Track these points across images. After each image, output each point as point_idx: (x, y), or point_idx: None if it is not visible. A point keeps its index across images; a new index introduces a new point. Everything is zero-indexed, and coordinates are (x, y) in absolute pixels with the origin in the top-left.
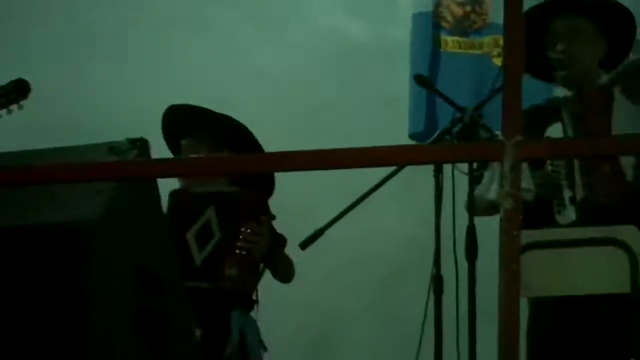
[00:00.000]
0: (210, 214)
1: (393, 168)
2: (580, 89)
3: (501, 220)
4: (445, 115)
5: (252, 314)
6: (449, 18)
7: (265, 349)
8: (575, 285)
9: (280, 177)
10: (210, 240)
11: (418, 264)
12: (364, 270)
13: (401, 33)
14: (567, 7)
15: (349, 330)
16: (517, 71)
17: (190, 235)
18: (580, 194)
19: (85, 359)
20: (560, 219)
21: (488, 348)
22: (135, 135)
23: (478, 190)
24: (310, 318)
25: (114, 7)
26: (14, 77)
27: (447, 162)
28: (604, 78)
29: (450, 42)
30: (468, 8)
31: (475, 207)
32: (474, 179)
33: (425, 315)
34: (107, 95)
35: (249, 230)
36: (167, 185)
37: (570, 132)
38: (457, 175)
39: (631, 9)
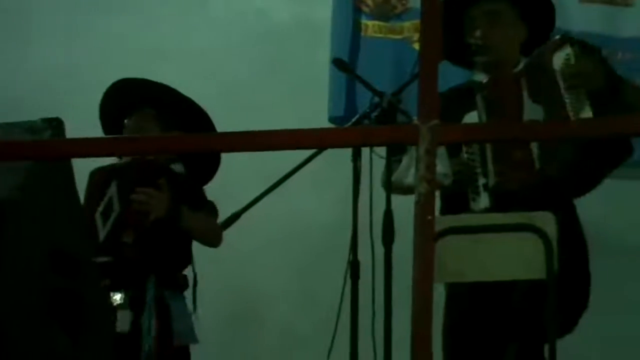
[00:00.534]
0: (112, 189)
1: (313, 151)
2: (496, 75)
3: (416, 204)
4: (365, 100)
5: (188, 302)
6: (370, 2)
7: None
8: (490, 271)
9: None
10: (111, 215)
11: (337, 247)
12: (283, 253)
13: (323, 14)
14: None
15: (267, 313)
16: (433, 56)
17: (98, 214)
18: (493, 181)
19: None
20: (474, 206)
21: (403, 332)
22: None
23: (396, 175)
24: (228, 299)
25: None
26: None
27: (362, 145)
28: (521, 65)
29: (370, 26)
30: None
31: (393, 192)
32: (392, 164)
33: (341, 299)
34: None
35: (140, 195)
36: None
37: (484, 118)
38: (375, 160)
39: None
